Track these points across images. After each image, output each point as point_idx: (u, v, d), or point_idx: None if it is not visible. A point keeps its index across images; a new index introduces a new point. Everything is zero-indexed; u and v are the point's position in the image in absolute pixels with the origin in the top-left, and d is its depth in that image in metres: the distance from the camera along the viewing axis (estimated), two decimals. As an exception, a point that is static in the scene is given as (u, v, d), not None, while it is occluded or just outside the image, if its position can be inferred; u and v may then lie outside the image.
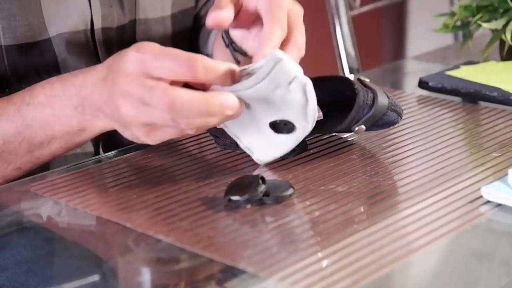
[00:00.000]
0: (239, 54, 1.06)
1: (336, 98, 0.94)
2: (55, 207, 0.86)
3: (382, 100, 0.92)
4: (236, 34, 1.02)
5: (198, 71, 0.81)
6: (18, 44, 1.02)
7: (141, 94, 0.82)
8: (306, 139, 0.95)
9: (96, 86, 0.88)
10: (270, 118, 0.88)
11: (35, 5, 1.02)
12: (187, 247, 0.76)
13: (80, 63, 1.08)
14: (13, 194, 0.90)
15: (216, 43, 1.21)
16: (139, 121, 0.84)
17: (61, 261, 0.79)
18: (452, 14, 1.35)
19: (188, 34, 1.25)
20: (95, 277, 0.75)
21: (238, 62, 1.07)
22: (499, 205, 0.84)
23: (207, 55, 1.23)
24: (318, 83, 0.96)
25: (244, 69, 0.87)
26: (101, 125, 0.90)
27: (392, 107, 0.94)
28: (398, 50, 3.21)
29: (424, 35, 2.02)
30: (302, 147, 0.95)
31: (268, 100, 0.86)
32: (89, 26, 1.08)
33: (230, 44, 1.06)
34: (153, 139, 0.85)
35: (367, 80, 0.95)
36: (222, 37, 1.07)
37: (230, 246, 0.76)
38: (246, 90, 0.85)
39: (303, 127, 0.88)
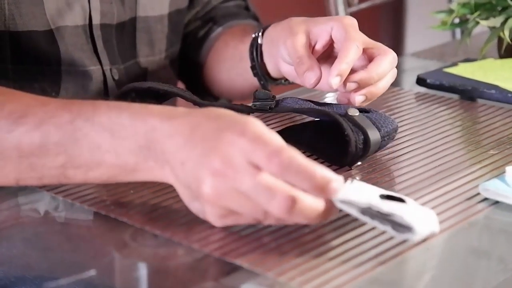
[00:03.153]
0: (258, 79, 1.10)
1: (330, 138, 0.94)
2: (52, 202, 0.86)
3: (374, 137, 0.90)
4: (290, 71, 1.06)
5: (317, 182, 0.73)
6: (23, 31, 1.03)
7: (249, 187, 0.72)
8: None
9: (173, 138, 0.77)
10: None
11: None
12: (184, 242, 0.76)
13: (80, 57, 1.08)
14: (11, 188, 0.89)
15: (214, 55, 1.22)
16: (220, 204, 0.75)
17: (58, 256, 0.79)
18: (450, 11, 1.35)
19: (181, 34, 1.25)
20: (92, 272, 0.75)
21: (264, 87, 1.10)
22: (496, 202, 0.84)
23: (196, 63, 1.25)
24: (311, 126, 0.97)
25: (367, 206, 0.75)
26: (162, 176, 0.79)
27: (386, 137, 0.93)
28: (396, 47, 3.20)
29: (422, 32, 2.01)
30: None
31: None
32: (87, 22, 1.08)
33: (263, 76, 1.09)
34: (223, 223, 0.76)
35: (356, 113, 0.92)
36: (254, 67, 1.12)
37: (228, 242, 0.76)
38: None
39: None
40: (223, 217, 0.75)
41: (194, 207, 0.77)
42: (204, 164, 0.74)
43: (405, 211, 0.74)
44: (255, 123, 0.75)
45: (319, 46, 1.02)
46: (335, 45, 1.03)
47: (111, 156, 0.80)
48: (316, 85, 0.99)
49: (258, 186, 0.72)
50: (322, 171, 0.73)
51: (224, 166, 0.73)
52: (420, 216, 0.75)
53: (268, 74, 1.12)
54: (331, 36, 1.02)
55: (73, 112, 0.81)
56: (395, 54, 1.01)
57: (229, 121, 0.76)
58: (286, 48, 1.02)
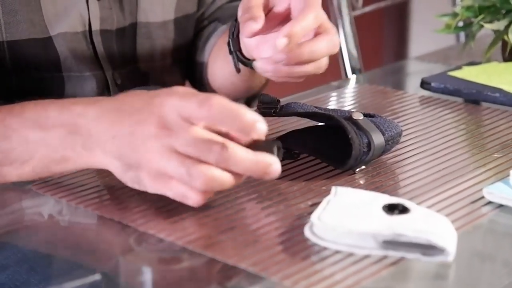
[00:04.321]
0: (241, 63, 1.08)
1: (334, 142, 0.94)
2: (57, 206, 0.86)
3: (378, 141, 0.90)
4: (250, 41, 1.03)
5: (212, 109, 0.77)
6: (20, 40, 1.03)
7: (186, 141, 0.76)
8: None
9: (100, 119, 0.81)
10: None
11: (35, 3, 1.02)
12: (188, 246, 0.76)
13: (81, 63, 1.08)
14: (15, 193, 0.89)
15: (215, 50, 1.22)
16: (156, 167, 0.78)
17: (62, 260, 0.79)
18: (455, 14, 1.35)
19: (190, 38, 1.25)
20: (96, 276, 0.75)
21: (238, 71, 1.09)
22: (500, 206, 0.84)
23: (201, 62, 1.24)
24: (315, 130, 0.97)
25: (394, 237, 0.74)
26: (93, 161, 0.82)
27: (390, 141, 0.93)
28: (400, 51, 3.21)
29: (427, 36, 2.02)
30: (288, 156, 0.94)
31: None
32: (87, 28, 1.08)
33: (235, 52, 1.07)
34: (155, 187, 0.79)
35: (360, 117, 0.92)
36: (229, 43, 1.08)
37: (232, 246, 0.76)
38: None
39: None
40: (156, 180, 0.78)
41: (128, 177, 0.80)
42: (138, 132, 0.78)
43: (430, 232, 0.73)
44: (180, 87, 0.79)
45: (276, 10, 0.99)
46: (292, 16, 0.99)
47: (41, 147, 0.83)
48: (252, 36, 0.96)
49: (195, 139, 0.76)
50: (250, 113, 0.76)
51: (159, 128, 0.77)
52: (444, 231, 0.74)
53: (241, 52, 1.08)
54: (289, 5, 0.98)
55: (2, 113, 0.85)
56: (335, 30, 0.98)
57: (155, 91, 0.80)
58: (242, 6, 0.98)
